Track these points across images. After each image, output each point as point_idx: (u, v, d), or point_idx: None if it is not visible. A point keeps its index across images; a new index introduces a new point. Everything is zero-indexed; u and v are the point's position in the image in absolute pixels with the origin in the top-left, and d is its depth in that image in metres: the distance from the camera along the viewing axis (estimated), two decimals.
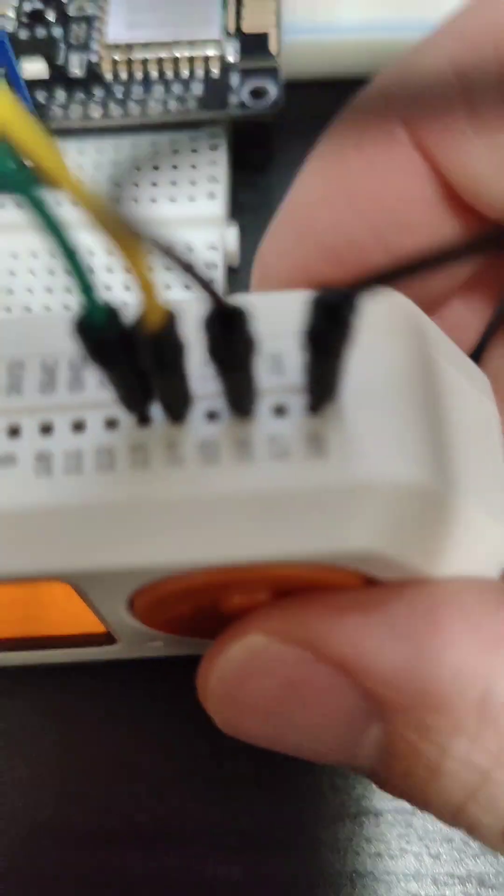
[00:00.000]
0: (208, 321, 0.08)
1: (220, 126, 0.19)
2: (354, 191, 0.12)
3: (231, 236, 0.19)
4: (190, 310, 0.09)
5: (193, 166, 0.19)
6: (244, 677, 0.12)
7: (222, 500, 0.10)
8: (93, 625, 0.14)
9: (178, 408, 0.10)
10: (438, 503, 0.10)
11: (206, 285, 0.08)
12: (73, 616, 0.14)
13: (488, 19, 0.11)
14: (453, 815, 0.11)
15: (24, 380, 0.10)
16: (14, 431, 0.10)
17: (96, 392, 0.10)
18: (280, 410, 0.10)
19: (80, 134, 0.20)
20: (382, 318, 0.10)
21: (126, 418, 0.10)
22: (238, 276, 0.20)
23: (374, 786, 0.16)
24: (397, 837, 0.16)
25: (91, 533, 0.10)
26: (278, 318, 0.10)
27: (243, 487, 0.10)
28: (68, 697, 0.17)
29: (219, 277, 0.19)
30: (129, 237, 0.07)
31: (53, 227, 0.07)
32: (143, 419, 0.10)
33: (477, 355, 0.15)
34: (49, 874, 0.16)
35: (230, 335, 0.08)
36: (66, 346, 0.10)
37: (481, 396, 0.12)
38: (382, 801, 0.16)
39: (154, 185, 0.19)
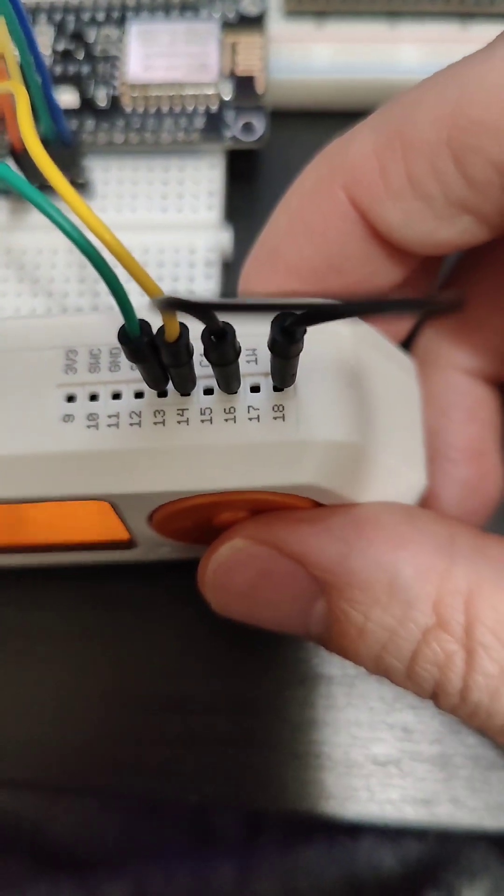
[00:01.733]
0: (203, 335, 0.12)
1: (217, 152, 0.24)
2: (310, 230, 0.15)
3: (226, 238, 0.24)
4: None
5: (196, 182, 0.24)
6: (230, 569, 0.16)
7: (215, 447, 0.13)
8: (120, 533, 0.18)
9: (185, 386, 0.13)
10: (360, 453, 0.14)
11: (204, 313, 0.11)
12: (105, 527, 0.18)
13: (406, 117, 0.14)
14: (375, 663, 0.15)
15: (77, 362, 0.14)
16: (71, 398, 0.14)
17: (129, 373, 0.14)
18: (255, 388, 0.13)
19: (106, 154, 0.24)
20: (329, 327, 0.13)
21: (149, 392, 0.14)
22: (232, 270, 0.24)
23: (326, 656, 0.21)
24: (343, 695, 0.22)
25: (126, 468, 0.14)
26: (257, 322, 0.13)
27: (229, 439, 0.13)
28: (101, 593, 0.22)
29: (216, 271, 0.23)
30: (147, 276, 0.11)
31: (105, 270, 0.12)
32: (162, 393, 0.14)
33: (408, 343, 0.20)
34: (101, 732, 0.22)
35: (219, 345, 0.12)
36: (107, 339, 0.14)
37: (405, 376, 0.16)
38: (332, 668, 0.22)
39: (164, 197, 0.24)
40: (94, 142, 0.24)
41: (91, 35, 0.25)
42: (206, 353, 0.12)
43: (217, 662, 0.22)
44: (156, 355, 0.12)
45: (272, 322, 0.12)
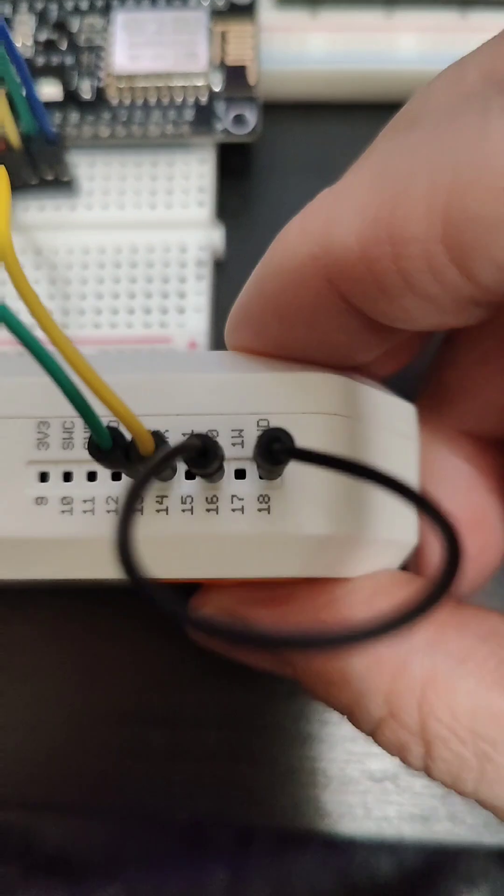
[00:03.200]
0: (187, 461, 0.11)
1: (208, 146, 0.23)
2: (296, 316, 0.13)
3: (217, 237, 0.23)
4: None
5: (186, 178, 0.23)
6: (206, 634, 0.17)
7: (196, 539, 0.13)
8: None
9: (164, 475, 0.13)
10: (349, 539, 0.13)
11: (185, 452, 0.11)
12: None
13: (393, 206, 0.11)
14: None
15: (50, 437, 0.13)
16: (44, 477, 0.13)
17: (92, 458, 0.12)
18: (240, 474, 0.13)
19: (91, 148, 0.23)
20: (318, 403, 0.13)
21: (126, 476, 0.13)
22: (223, 268, 0.24)
23: None
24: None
25: (101, 555, 0.13)
26: (242, 401, 0.13)
27: (211, 531, 0.13)
28: (84, 604, 0.22)
29: (207, 271, 0.23)
30: (109, 391, 0.10)
31: (66, 382, 0.10)
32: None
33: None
34: (86, 747, 0.21)
35: (203, 462, 0.11)
36: None
37: (401, 439, 0.15)
38: None
39: (153, 194, 0.23)
40: (78, 136, 0.23)
41: (74, 24, 0.24)
42: (189, 465, 0.12)
43: (207, 675, 0.21)
44: (129, 462, 0.12)
45: (258, 438, 0.11)
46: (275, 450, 0.11)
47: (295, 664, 0.15)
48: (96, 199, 0.23)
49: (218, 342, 0.22)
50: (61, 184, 0.23)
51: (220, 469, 0.12)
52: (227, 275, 0.24)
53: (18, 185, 0.22)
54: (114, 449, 0.11)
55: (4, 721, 0.21)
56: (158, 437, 0.11)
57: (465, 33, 0.24)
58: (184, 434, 0.13)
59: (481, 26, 0.24)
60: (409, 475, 0.16)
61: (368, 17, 0.24)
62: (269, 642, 0.09)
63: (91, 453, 0.11)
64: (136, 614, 0.21)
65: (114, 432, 0.11)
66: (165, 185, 0.23)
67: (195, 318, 0.22)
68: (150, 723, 0.21)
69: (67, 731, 0.21)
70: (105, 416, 0.11)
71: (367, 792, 0.21)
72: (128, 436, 0.11)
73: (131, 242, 0.23)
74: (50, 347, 0.10)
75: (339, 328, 0.13)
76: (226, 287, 0.23)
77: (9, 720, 0.21)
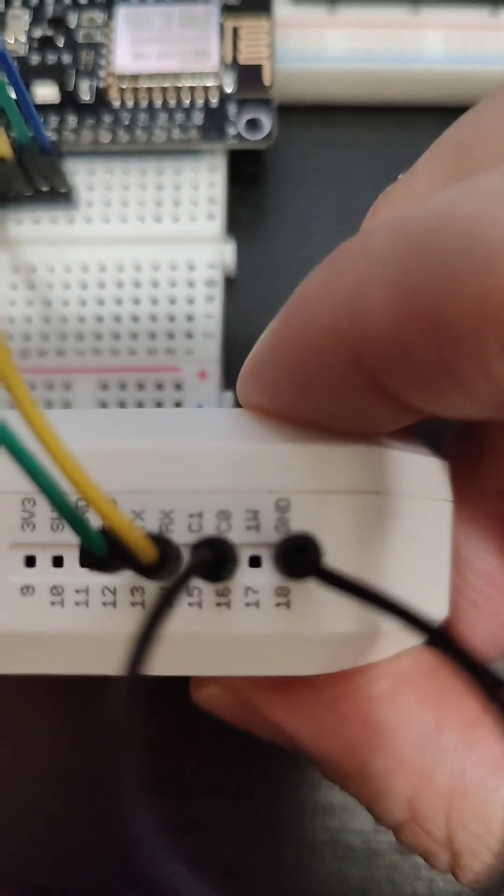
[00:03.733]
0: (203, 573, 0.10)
1: (218, 153, 0.21)
2: (319, 391, 0.12)
3: (229, 252, 0.21)
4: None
5: (194, 188, 0.21)
6: (214, 707, 0.15)
7: (205, 637, 0.11)
8: None
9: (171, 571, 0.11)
10: (375, 631, 0.12)
11: (196, 572, 0.10)
12: None
13: (436, 283, 0.09)
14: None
15: (36, 516, 0.11)
16: (30, 562, 0.11)
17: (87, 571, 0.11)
18: (255, 562, 0.11)
19: (91, 155, 0.21)
20: (344, 480, 0.11)
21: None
22: (235, 285, 0.22)
23: None
24: None
25: (98, 652, 0.11)
26: (258, 477, 0.11)
27: (222, 629, 0.11)
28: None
29: (218, 291, 0.21)
30: (107, 505, 0.09)
31: (52, 491, 0.09)
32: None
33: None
34: (83, 815, 0.19)
35: (217, 575, 0.10)
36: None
37: (434, 503, 0.14)
38: None
39: (158, 205, 0.21)
40: (76, 141, 0.21)
41: (73, 20, 0.22)
42: (203, 576, 0.10)
43: (218, 740, 0.19)
44: (131, 564, 0.10)
45: (281, 544, 0.10)
46: (298, 564, 0.10)
47: (308, 755, 0.14)
48: (96, 212, 0.21)
49: (230, 371, 0.20)
50: (58, 195, 0.21)
51: (234, 568, 0.11)
52: (240, 294, 0.22)
53: (11, 197, 0.20)
54: (110, 557, 0.10)
55: None
56: (160, 541, 0.10)
57: (496, 31, 0.22)
58: (191, 515, 0.11)
59: None
60: (443, 541, 0.14)
61: (392, 13, 0.22)
62: None
63: (84, 563, 0.10)
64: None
65: (108, 536, 0.10)
66: (172, 195, 0.21)
67: (205, 344, 0.20)
68: (156, 792, 0.19)
69: (65, 797, 0.19)
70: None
71: (395, 867, 0.19)
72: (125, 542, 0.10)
73: (135, 259, 0.21)
74: (34, 446, 0.09)
75: (368, 407, 0.11)
76: (238, 308, 0.21)
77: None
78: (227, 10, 0.21)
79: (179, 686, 0.19)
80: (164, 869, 0.07)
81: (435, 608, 0.14)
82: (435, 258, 0.09)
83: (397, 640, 0.13)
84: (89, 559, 0.10)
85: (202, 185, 0.21)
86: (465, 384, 0.09)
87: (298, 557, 0.10)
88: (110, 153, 0.21)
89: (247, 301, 0.22)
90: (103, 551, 0.09)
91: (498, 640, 0.17)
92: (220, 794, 0.19)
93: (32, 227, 0.21)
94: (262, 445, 0.11)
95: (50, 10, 0.22)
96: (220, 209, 0.21)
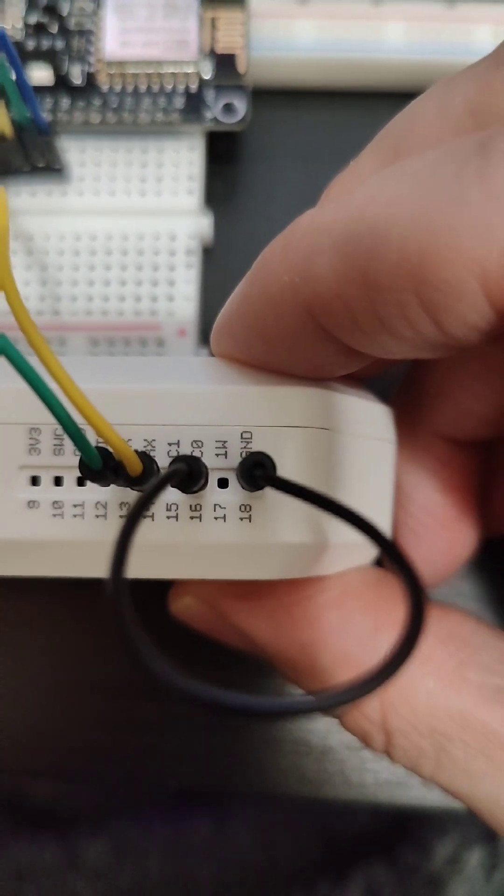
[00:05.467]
0: (174, 485, 0.12)
1: (197, 134, 0.23)
2: (276, 339, 0.14)
3: (206, 224, 0.23)
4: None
5: (175, 165, 0.24)
6: (188, 616, 0.18)
7: (180, 545, 0.13)
8: None
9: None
10: (325, 544, 0.14)
11: (173, 480, 0.12)
12: None
13: (370, 255, 0.12)
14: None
15: (41, 443, 0.13)
16: (35, 481, 0.13)
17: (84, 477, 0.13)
18: (223, 483, 0.13)
19: (82, 134, 0.23)
20: (299, 417, 0.13)
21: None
22: (212, 254, 0.24)
23: None
24: None
25: (90, 556, 0.13)
26: (227, 413, 0.13)
27: (195, 539, 0.13)
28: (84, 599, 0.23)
29: (196, 259, 0.23)
30: (104, 422, 0.11)
31: (55, 404, 0.11)
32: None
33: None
34: (75, 718, 0.22)
35: (189, 486, 0.12)
36: None
37: (379, 443, 0.16)
38: None
39: (143, 181, 0.23)
40: (69, 122, 0.23)
41: (65, 8, 0.24)
42: (176, 488, 0.12)
43: (193, 649, 0.22)
44: (118, 479, 0.12)
45: (241, 462, 0.12)
46: (256, 475, 0.12)
47: (267, 654, 0.16)
48: (87, 186, 0.23)
49: (206, 330, 0.23)
50: (53, 170, 0.23)
51: (205, 485, 0.13)
52: (216, 261, 0.24)
53: (10, 172, 0.23)
54: (104, 469, 0.12)
55: None
56: (145, 457, 0.12)
57: (452, 23, 0.24)
58: (170, 444, 0.13)
59: (467, 17, 0.24)
60: (386, 477, 0.16)
61: (356, 5, 0.24)
62: (251, 712, 0.09)
63: (82, 473, 0.12)
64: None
65: (103, 453, 0.12)
66: (155, 172, 0.23)
67: (184, 307, 0.23)
68: (139, 697, 0.22)
69: (59, 702, 0.22)
70: (95, 436, 0.12)
71: (345, 761, 0.22)
72: (117, 455, 0.12)
73: (122, 229, 0.23)
74: (40, 369, 0.11)
75: (319, 352, 0.13)
76: (214, 274, 0.24)
77: None
78: (205, 1, 0.23)
79: (161, 604, 0.22)
80: (157, 666, 0.09)
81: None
82: (367, 230, 0.11)
83: (343, 555, 0.15)
84: (87, 471, 0.12)
85: (182, 162, 0.23)
86: (391, 327, 0.12)
87: (256, 470, 0.12)
88: (100, 133, 0.23)
89: (222, 268, 0.24)
90: (98, 465, 0.12)
91: (436, 568, 0.20)
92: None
93: (29, 199, 0.23)
94: (231, 387, 0.13)
95: None
96: (198, 185, 0.23)
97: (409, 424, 0.19)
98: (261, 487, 0.12)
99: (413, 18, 0.24)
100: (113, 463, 0.12)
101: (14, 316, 0.11)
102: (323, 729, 0.22)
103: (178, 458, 0.12)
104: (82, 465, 0.12)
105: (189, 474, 0.12)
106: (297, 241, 0.13)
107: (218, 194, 0.25)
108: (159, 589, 0.19)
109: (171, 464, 0.13)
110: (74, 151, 0.23)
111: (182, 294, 0.23)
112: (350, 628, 0.15)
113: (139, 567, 0.13)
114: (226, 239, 0.24)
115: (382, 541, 0.11)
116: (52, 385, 0.11)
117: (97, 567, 0.13)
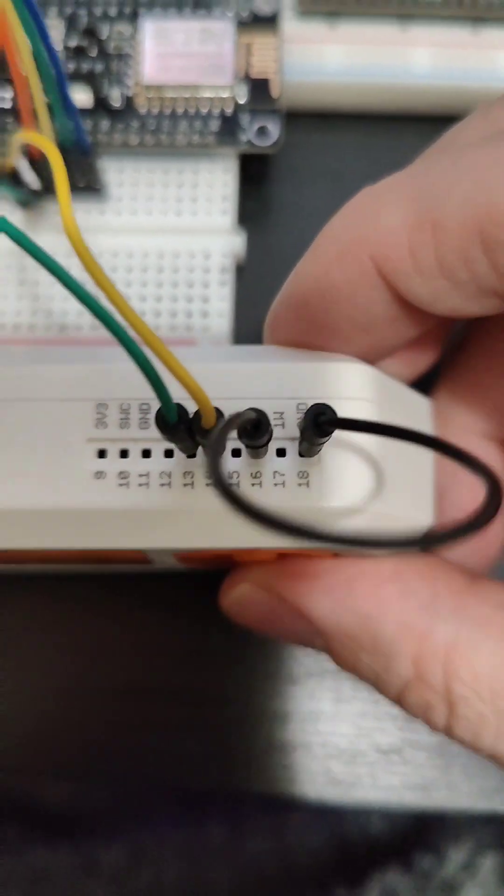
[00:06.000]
0: (240, 431, 0.13)
1: (231, 156, 0.24)
2: (338, 294, 0.15)
3: (239, 243, 0.24)
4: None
5: (210, 186, 0.24)
6: (243, 607, 0.18)
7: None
8: (141, 556, 0.18)
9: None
10: (375, 514, 0.14)
11: (244, 420, 0.12)
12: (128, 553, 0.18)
13: (438, 200, 0.14)
14: (371, 686, 0.17)
15: (108, 417, 0.14)
16: (102, 454, 0.14)
17: (158, 431, 0.13)
18: (281, 453, 0.14)
19: (120, 155, 0.24)
20: (350, 389, 0.14)
21: (178, 451, 0.14)
22: (244, 272, 0.25)
23: None
24: (350, 688, 0.23)
25: (156, 526, 0.14)
26: (283, 387, 0.14)
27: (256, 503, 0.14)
28: (93, 599, 0.23)
29: (230, 276, 0.24)
30: (184, 370, 0.12)
31: (144, 362, 0.12)
32: (191, 454, 0.14)
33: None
34: (88, 719, 0.23)
35: (255, 435, 0.13)
36: (136, 394, 0.14)
37: (419, 421, 0.17)
38: None
39: (179, 201, 0.24)
40: (109, 143, 0.24)
41: (104, 31, 0.24)
42: (240, 436, 0.13)
43: (233, 661, 0.23)
44: (191, 435, 0.13)
45: (305, 413, 0.13)
46: (321, 422, 0.12)
47: (326, 633, 0.16)
48: (125, 205, 0.24)
49: (240, 344, 0.24)
50: (92, 190, 0.24)
51: (268, 443, 0.13)
52: (248, 278, 0.25)
53: (53, 192, 0.23)
54: (178, 423, 0.12)
55: (4, 691, 0.23)
56: (218, 412, 0.13)
57: (477, 49, 0.25)
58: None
59: (492, 43, 0.25)
60: (426, 465, 0.17)
61: (384, 29, 0.25)
62: (338, 539, 0.10)
63: (158, 426, 0.12)
64: (156, 595, 0.23)
65: (179, 408, 0.12)
66: (190, 192, 0.24)
67: (218, 322, 0.23)
68: (157, 699, 0.23)
69: (74, 704, 0.23)
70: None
71: (375, 763, 0.23)
72: (190, 412, 0.13)
73: (158, 247, 0.24)
74: (130, 331, 0.12)
75: (376, 302, 0.14)
76: (247, 291, 0.25)
77: (10, 692, 0.23)
78: (240, 26, 0.24)
79: (192, 611, 0.23)
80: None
81: (424, 516, 0.16)
82: (431, 185, 0.13)
83: (396, 525, 0.15)
84: (162, 424, 0.12)
85: (217, 183, 0.24)
86: (450, 271, 0.13)
87: (321, 417, 0.13)
88: (138, 154, 0.24)
89: (254, 285, 0.25)
90: (174, 417, 0.12)
91: (480, 558, 0.20)
92: (234, 703, 0.23)
93: None
94: (286, 363, 0.14)
95: (83, 20, 0.25)
96: (231, 205, 0.24)
97: (444, 422, 0.19)
98: (328, 433, 0.13)
99: (438, 43, 0.25)
100: (187, 418, 0.12)
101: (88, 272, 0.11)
102: (352, 732, 0.23)
103: (250, 409, 0.13)
104: (159, 419, 0.12)
105: (257, 423, 0.12)
106: (362, 201, 0.14)
107: (250, 214, 0.25)
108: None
109: (245, 411, 0.13)
110: (113, 172, 0.24)
111: (216, 310, 0.23)
112: (410, 597, 0.16)
113: (200, 537, 0.14)
114: (258, 257, 0.25)
115: (453, 451, 0.12)
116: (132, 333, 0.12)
117: (163, 537, 0.14)
